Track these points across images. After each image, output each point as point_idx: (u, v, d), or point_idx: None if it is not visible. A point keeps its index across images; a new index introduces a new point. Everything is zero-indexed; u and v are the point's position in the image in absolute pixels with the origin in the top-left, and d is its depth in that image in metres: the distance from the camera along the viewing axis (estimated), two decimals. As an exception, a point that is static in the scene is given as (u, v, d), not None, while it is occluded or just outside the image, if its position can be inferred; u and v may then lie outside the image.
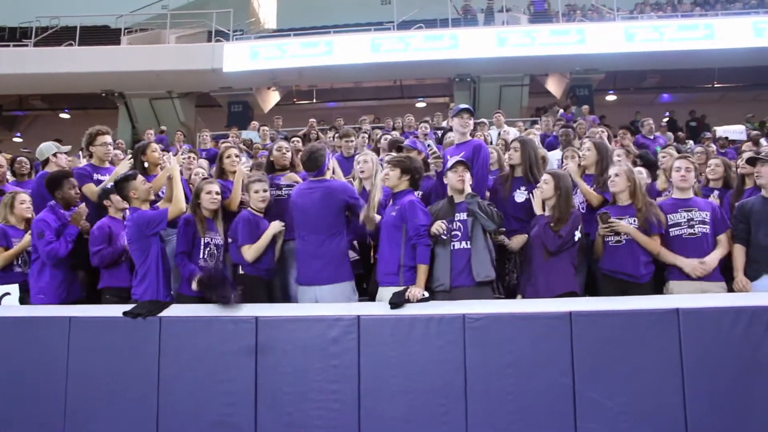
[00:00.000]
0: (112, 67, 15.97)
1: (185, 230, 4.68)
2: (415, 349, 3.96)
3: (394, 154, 5.32)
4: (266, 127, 11.69)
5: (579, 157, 5.41)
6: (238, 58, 16.16)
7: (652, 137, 9.95)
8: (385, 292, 4.35)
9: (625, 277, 4.46)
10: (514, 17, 17.37)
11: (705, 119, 16.72)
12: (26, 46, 16.70)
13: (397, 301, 4.15)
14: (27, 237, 4.92)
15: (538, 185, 4.63)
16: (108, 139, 5.47)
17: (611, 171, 4.72)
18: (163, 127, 15.04)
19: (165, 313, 4.33)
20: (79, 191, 5.06)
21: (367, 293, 4.95)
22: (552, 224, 4.39)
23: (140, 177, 4.67)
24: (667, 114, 17.35)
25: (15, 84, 16.94)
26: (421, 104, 20.84)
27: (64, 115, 20.57)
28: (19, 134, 21.52)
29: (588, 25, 16.33)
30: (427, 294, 4.21)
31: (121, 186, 4.61)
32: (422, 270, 4.27)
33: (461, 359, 3.91)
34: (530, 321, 3.95)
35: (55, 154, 5.55)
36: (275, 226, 4.71)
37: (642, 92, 20.40)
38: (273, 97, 19.30)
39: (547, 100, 18.21)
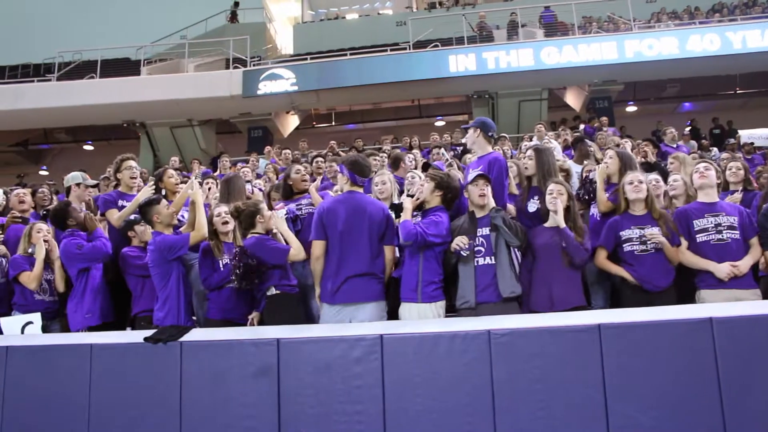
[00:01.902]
0: (133, 98, 16.23)
1: (204, 259, 4.70)
2: (439, 366, 3.86)
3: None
4: (288, 150, 11.70)
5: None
6: (256, 83, 16.30)
7: (674, 146, 9.83)
8: (406, 309, 4.29)
9: (651, 287, 4.34)
10: (529, 32, 17.32)
11: (732, 125, 16.48)
12: (49, 80, 17.06)
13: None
14: (41, 250, 4.95)
15: (549, 195, 4.51)
16: (132, 163, 5.53)
17: (632, 177, 4.61)
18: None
19: (186, 337, 4.28)
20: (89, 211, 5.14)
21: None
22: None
23: (164, 201, 4.73)
24: (689, 123, 17.13)
25: (39, 118, 17.33)
26: (440, 123, 20.84)
27: (88, 147, 20.93)
28: (45, 167, 21.91)
29: (605, 36, 16.24)
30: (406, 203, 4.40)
31: (144, 210, 4.66)
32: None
33: (488, 376, 3.80)
34: (557, 335, 3.83)
35: (78, 185, 5.61)
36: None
37: (662, 102, 20.14)
38: (292, 122, 19.42)
39: (566, 114, 18.09)
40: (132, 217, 5.08)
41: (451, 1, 22.78)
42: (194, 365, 4.18)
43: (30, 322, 4.73)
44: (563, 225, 4.31)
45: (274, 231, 4.72)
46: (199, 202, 4.67)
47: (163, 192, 5.43)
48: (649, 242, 4.36)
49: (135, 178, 5.46)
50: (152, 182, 5.26)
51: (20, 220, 5.53)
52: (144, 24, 22.10)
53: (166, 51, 19.13)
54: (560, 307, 4.16)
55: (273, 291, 4.55)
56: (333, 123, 21.35)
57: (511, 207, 4.94)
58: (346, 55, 17.18)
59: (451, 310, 4.43)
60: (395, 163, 6.34)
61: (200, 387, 4.14)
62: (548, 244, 4.36)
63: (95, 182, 5.87)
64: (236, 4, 22.96)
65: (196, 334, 4.31)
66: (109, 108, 16.41)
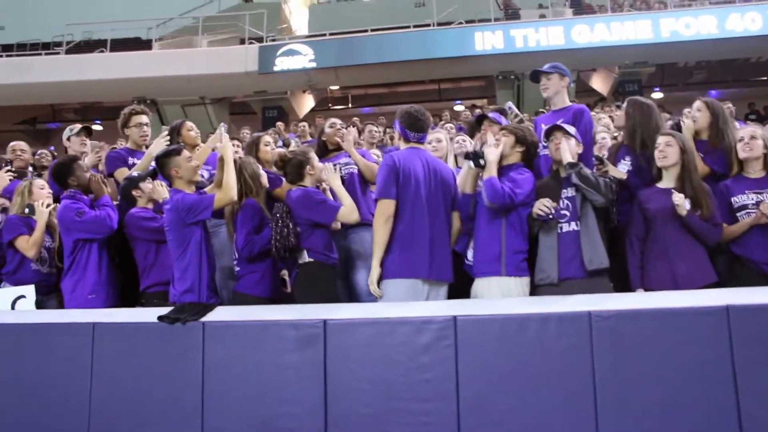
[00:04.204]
0: (144, 73, 15.51)
1: (247, 218, 3.96)
2: (528, 356, 3.12)
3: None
4: (305, 123, 11.03)
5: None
6: (272, 59, 15.55)
7: (731, 119, 9.13)
8: (484, 285, 3.53)
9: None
10: (558, 11, 16.54)
11: (768, 110, 15.71)
12: (58, 54, 16.46)
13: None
14: (43, 212, 4.22)
15: (656, 150, 3.73)
16: (144, 119, 4.79)
17: (743, 133, 3.83)
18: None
19: (209, 317, 3.56)
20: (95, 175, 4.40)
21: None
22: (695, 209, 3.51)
23: (185, 153, 3.95)
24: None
25: (48, 93, 16.66)
26: (459, 107, 20.09)
27: (97, 126, 20.19)
28: (53, 147, 21.23)
29: (640, 14, 15.45)
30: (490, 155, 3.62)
31: (162, 162, 3.89)
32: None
33: (588, 368, 3.06)
34: (675, 318, 3.07)
35: (69, 139, 4.91)
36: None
37: (689, 88, 19.32)
38: (308, 102, 18.75)
39: (591, 99, 17.31)
40: (135, 173, 4.35)
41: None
42: (219, 351, 3.47)
43: (22, 296, 4.03)
44: (684, 213, 3.51)
45: (324, 186, 4.03)
46: (228, 157, 3.87)
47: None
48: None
49: (146, 136, 4.73)
50: (166, 133, 4.51)
51: (16, 175, 4.79)
52: (156, 4, 21.30)
53: (178, 30, 18.40)
54: (687, 286, 3.37)
55: (306, 258, 3.83)
56: (349, 105, 20.67)
57: None
58: (366, 31, 16.44)
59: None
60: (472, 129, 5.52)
61: (227, 378, 3.43)
62: (665, 209, 3.55)
63: (81, 126, 5.08)
64: (251, -19, 22.25)
65: (222, 313, 3.59)
66: (119, 83, 15.70)
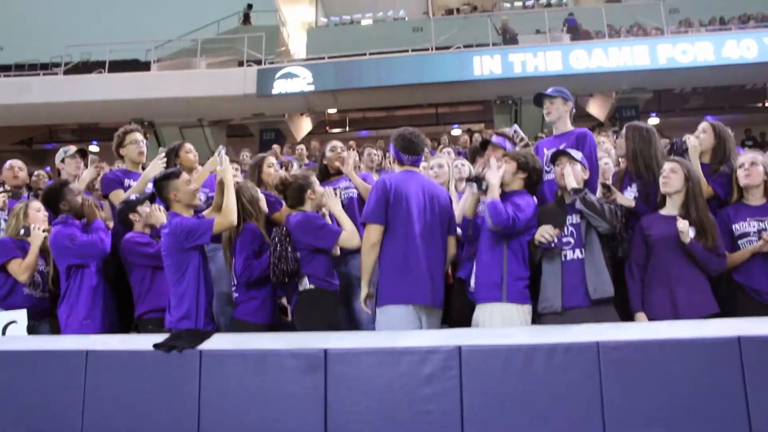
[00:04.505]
0: (142, 94, 15.51)
1: (246, 243, 3.88)
2: (535, 387, 3.02)
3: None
4: (302, 146, 11.02)
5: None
6: (270, 82, 15.59)
7: (731, 147, 9.08)
8: (486, 312, 3.45)
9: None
10: (556, 37, 16.63)
11: (765, 137, 15.76)
12: (56, 74, 16.46)
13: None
14: (38, 235, 4.15)
15: (662, 177, 3.67)
16: (138, 135, 4.70)
17: (744, 159, 3.77)
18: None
19: (207, 345, 3.46)
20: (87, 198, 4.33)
21: (448, 318, 4.02)
22: (699, 239, 3.43)
23: (184, 176, 3.87)
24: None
25: (45, 113, 16.63)
26: (456, 131, 20.13)
27: (94, 148, 20.17)
28: (48, 168, 21.18)
29: (637, 40, 15.58)
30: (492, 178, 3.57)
31: (161, 185, 3.80)
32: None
33: (597, 399, 2.96)
34: (686, 349, 2.98)
35: (63, 160, 4.83)
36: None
37: (686, 114, 19.38)
38: (306, 125, 18.79)
39: (587, 125, 17.32)
40: (132, 197, 4.26)
41: (469, 7, 22.15)
42: (217, 380, 3.36)
43: (13, 322, 3.92)
44: (688, 240, 3.43)
45: (323, 211, 3.95)
46: (228, 180, 3.81)
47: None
48: None
49: (143, 152, 4.66)
50: (163, 155, 4.45)
51: (10, 194, 4.71)
52: (154, 27, 21.46)
53: (177, 52, 18.46)
54: (687, 315, 3.30)
55: (306, 285, 3.74)
56: (347, 129, 20.68)
57: None
58: (364, 55, 16.49)
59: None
60: (474, 154, 5.43)
61: (224, 408, 3.31)
62: (667, 236, 3.49)
63: (77, 148, 4.99)
64: (249, 6, 22.36)
65: (220, 341, 3.49)
66: (117, 104, 15.70)
